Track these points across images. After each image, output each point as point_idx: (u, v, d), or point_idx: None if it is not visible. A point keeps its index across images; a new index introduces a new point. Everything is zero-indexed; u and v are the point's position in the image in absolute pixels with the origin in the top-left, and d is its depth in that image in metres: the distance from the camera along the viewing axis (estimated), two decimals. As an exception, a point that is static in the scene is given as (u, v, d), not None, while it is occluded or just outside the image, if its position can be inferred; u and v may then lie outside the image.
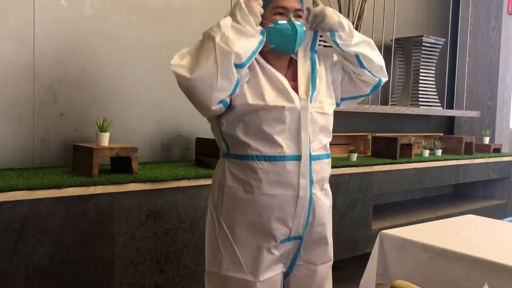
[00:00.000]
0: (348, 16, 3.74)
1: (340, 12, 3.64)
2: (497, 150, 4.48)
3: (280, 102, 1.49)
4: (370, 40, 1.70)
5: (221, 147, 1.64)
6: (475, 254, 1.70)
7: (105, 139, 2.20)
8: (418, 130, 4.50)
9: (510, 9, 4.77)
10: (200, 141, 2.66)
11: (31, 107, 2.31)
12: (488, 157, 4.19)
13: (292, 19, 1.53)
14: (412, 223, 2.91)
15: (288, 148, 1.50)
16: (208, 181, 2.34)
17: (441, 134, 4.61)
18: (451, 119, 5.06)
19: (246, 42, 1.42)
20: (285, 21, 1.52)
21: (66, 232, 1.94)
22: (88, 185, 1.98)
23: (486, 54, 4.82)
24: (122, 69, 2.60)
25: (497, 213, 4.24)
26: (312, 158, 1.53)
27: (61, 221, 1.93)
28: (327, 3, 3.65)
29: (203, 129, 2.93)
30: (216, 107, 1.44)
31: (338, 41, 1.61)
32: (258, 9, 1.48)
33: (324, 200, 1.62)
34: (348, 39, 1.62)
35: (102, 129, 2.20)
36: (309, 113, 1.52)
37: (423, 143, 3.87)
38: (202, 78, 1.38)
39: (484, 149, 4.38)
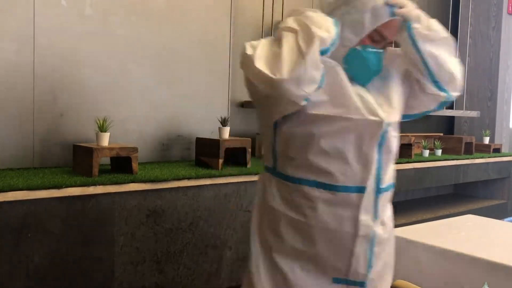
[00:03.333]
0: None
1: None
2: (497, 150, 4.48)
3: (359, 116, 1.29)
4: (450, 38, 1.37)
5: (266, 159, 1.44)
6: (475, 254, 1.70)
7: (105, 139, 2.20)
8: (418, 130, 4.49)
9: (510, 9, 4.77)
10: (200, 141, 2.66)
11: (31, 107, 2.31)
12: (488, 157, 4.19)
13: (381, 52, 1.36)
14: (412, 223, 2.90)
15: (353, 178, 1.30)
16: (208, 181, 2.35)
17: (441, 134, 4.61)
18: (451, 119, 5.05)
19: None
20: (375, 51, 1.34)
21: (66, 232, 1.94)
22: (88, 185, 1.98)
23: (486, 54, 4.82)
24: (122, 69, 2.60)
25: (497, 213, 4.24)
26: (380, 191, 1.35)
27: (61, 221, 1.92)
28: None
29: (203, 129, 2.93)
30: (303, 102, 1.24)
31: (414, 35, 1.32)
32: None
33: (386, 236, 1.43)
34: (426, 32, 1.33)
35: (102, 129, 2.20)
36: (385, 136, 1.32)
37: (423, 143, 3.87)
38: (291, 75, 1.16)
39: (484, 149, 4.38)
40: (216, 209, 2.40)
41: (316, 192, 1.31)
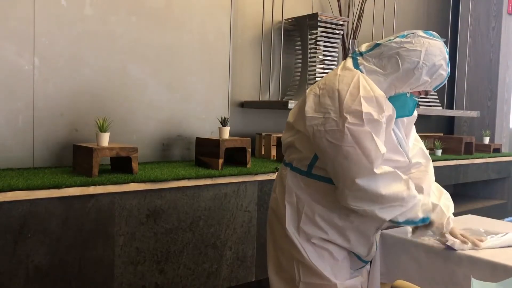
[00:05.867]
0: (348, 16, 3.75)
1: (340, 12, 3.64)
2: (497, 150, 4.47)
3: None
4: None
5: (298, 162, 1.63)
6: (475, 254, 1.70)
7: (105, 139, 2.20)
8: (418, 130, 4.45)
9: (510, 9, 4.77)
10: (200, 141, 2.66)
11: (31, 107, 2.31)
12: (488, 157, 4.19)
13: (417, 101, 1.67)
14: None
15: None
16: (208, 181, 2.34)
17: (441, 134, 4.61)
18: (451, 119, 5.05)
19: None
20: (415, 99, 1.62)
21: (66, 232, 1.94)
22: (88, 185, 1.98)
23: (486, 54, 4.82)
24: (122, 69, 2.60)
25: (497, 213, 4.25)
26: None
27: (61, 221, 1.93)
28: (326, 2, 3.65)
29: (203, 129, 2.94)
30: None
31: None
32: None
33: None
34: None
35: (102, 129, 2.20)
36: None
37: (423, 143, 3.87)
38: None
39: (484, 149, 4.37)
40: (216, 209, 2.40)
41: None
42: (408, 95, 1.59)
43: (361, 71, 1.56)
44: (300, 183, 1.61)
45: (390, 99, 1.57)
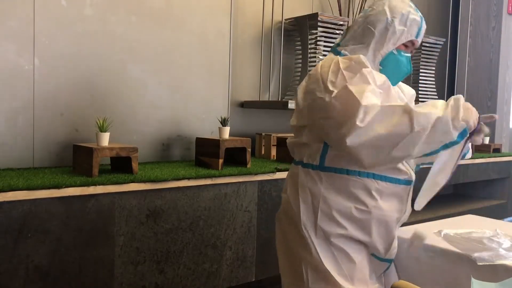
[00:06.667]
0: (348, 16, 3.75)
1: (340, 12, 3.64)
2: (497, 150, 4.47)
3: None
4: None
5: (310, 158, 1.59)
6: (476, 254, 1.70)
7: (105, 139, 2.20)
8: (418, 130, 4.49)
9: (510, 9, 4.77)
10: (200, 141, 2.66)
11: (31, 107, 2.31)
12: (488, 157, 4.19)
13: (410, 55, 1.64)
14: (412, 223, 2.90)
15: (405, 172, 1.61)
16: (208, 181, 2.34)
17: (441, 134, 4.61)
18: (451, 119, 5.05)
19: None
20: (407, 55, 1.62)
21: (66, 232, 1.94)
22: (88, 185, 1.98)
23: (486, 54, 4.82)
24: (122, 69, 2.60)
25: (497, 213, 4.25)
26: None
27: (61, 221, 1.93)
28: (326, 2, 3.65)
29: (203, 129, 2.94)
30: None
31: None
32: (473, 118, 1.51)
33: None
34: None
35: (102, 129, 2.20)
36: None
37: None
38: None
39: (484, 149, 4.37)
40: (216, 209, 2.40)
41: (375, 184, 1.53)
42: (395, 52, 1.59)
43: (345, 55, 1.59)
44: (313, 179, 1.57)
45: (382, 64, 1.59)
